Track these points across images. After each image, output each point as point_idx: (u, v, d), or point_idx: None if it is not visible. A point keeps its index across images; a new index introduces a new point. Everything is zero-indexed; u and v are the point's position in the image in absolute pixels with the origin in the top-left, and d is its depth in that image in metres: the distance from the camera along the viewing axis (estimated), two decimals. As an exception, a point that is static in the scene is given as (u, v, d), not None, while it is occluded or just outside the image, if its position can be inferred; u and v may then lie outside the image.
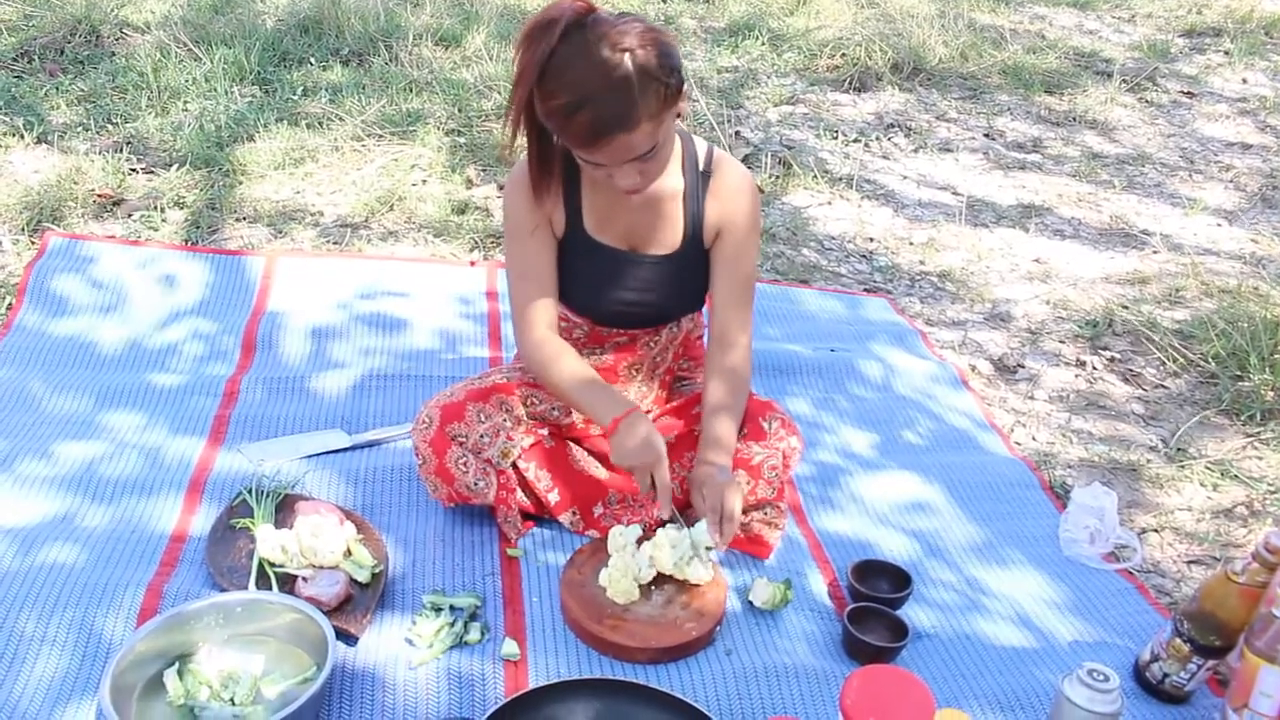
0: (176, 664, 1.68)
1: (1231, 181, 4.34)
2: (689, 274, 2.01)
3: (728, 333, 2.00)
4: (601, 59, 1.62)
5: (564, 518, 2.09)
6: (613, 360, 2.12)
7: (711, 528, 1.88)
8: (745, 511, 2.05)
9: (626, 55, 1.62)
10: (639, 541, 1.97)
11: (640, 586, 1.92)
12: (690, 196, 1.95)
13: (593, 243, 1.98)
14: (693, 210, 1.95)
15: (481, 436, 2.00)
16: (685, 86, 1.74)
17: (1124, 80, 5.21)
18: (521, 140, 1.79)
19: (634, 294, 2.01)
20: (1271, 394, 2.79)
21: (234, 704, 1.65)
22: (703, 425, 1.99)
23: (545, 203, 1.93)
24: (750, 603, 1.98)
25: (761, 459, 2.00)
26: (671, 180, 1.94)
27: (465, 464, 2.01)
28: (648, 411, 2.17)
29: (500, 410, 2.02)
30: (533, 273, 1.99)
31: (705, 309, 2.13)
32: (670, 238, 1.98)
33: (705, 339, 2.20)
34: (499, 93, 4.25)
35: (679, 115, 1.78)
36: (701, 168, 1.95)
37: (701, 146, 1.97)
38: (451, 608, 1.88)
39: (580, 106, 1.63)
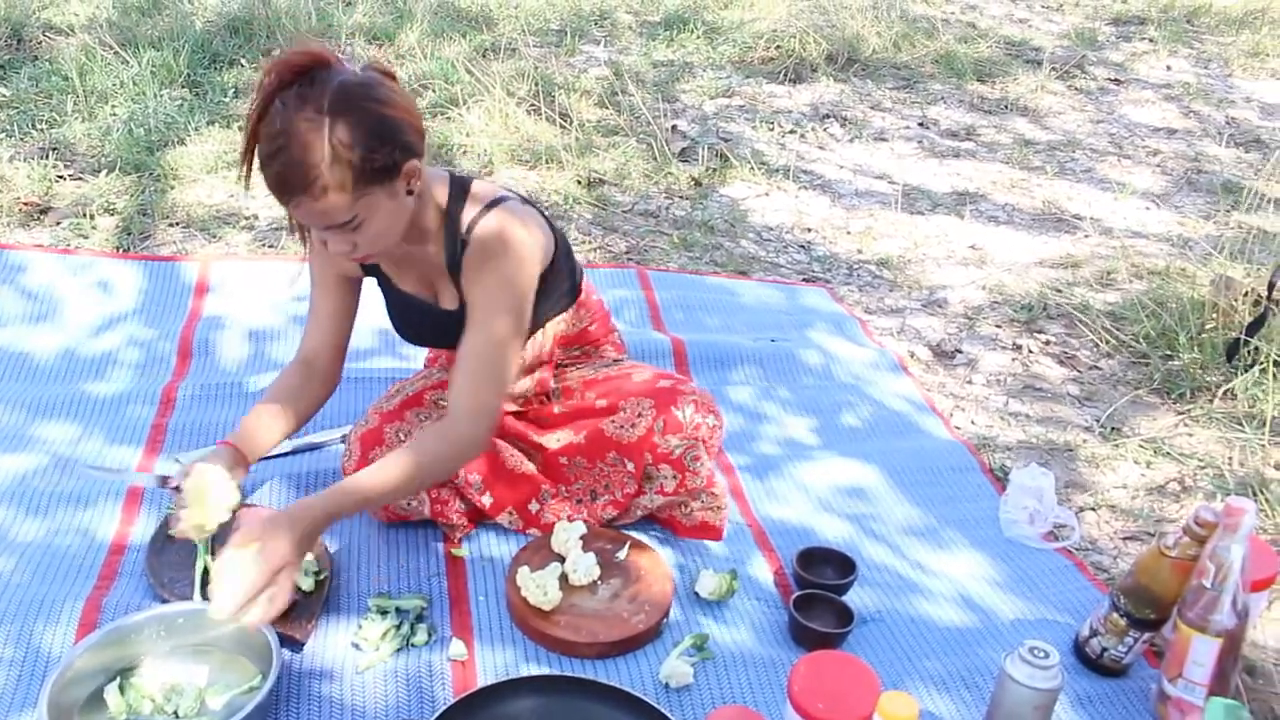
0: (118, 679, 1.66)
1: (1158, 165, 4.43)
2: None
3: (450, 397, 1.84)
4: (296, 119, 1.56)
5: (502, 519, 2.09)
6: None
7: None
8: (685, 503, 2.07)
9: (325, 122, 1.56)
10: (582, 538, 1.98)
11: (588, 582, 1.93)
12: (451, 265, 1.87)
13: (400, 292, 1.97)
14: (455, 279, 1.88)
15: None
16: (411, 164, 1.66)
17: (1054, 68, 5.30)
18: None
19: (453, 339, 1.96)
20: (1200, 372, 2.86)
21: (178, 717, 1.63)
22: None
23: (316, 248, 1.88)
24: (697, 593, 1.99)
25: (682, 451, 1.99)
26: (434, 246, 1.86)
27: None
28: (540, 401, 2.16)
29: (418, 423, 2.01)
30: (313, 316, 2.01)
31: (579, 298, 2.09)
32: (450, 297, 1.93)
33: (591, 319, 2.16)
34: (434, 91, 4.22)
35: (410, 191, 1.70)
36: (463, 233, 1.84)
37: (473, 205, 1.85)
38: (398, 610, 1.87)
39: (270, 160, 1.58)
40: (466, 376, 1.82)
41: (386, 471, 1.75)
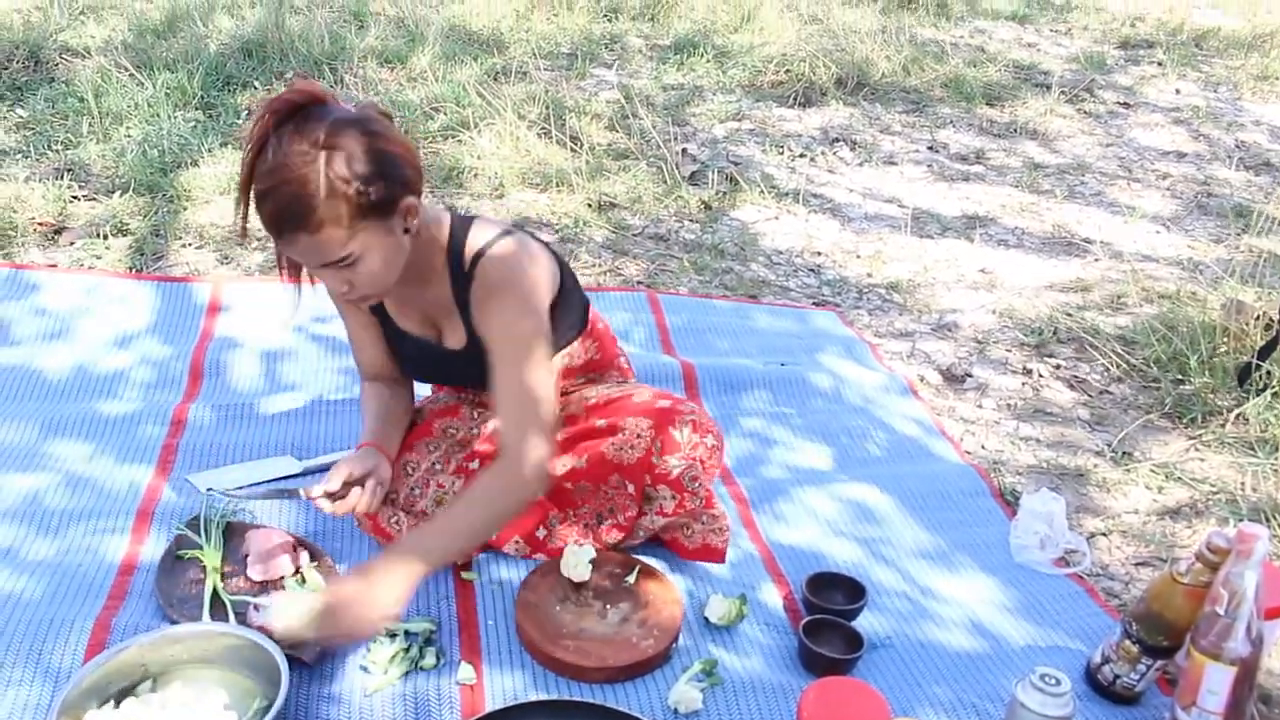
0: (124, 698, 1.66)
1: (1168, 189, 4.43)
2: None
3: (502, 436, 1.83)
4: (292, 153, 1.57)
5: (509, 548, 2.08)
6: (486, 398, 2.14)
7: None
8: (687, 524, 2.06)
9: (320, 155, 1.57)
10: (591, 562, 1.98)
11: (598, 606, 1.94)
12: (459, 301, 1.88)
13: (401, 331, 1.98)
14: (464, 315, 1.89)
15: (412, 489, 1.99)
16: (408, 201, 1.67)
17: (1063, 92, 5.31)
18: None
19: (456, 377, 2.02)
20: (1211, 396, 2.85)
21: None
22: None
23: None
24: (706, 619, 1.98)
25: (680, 471, 1.99)
26: (438, 285, 1.88)
27: (398, 523, 2.01)
28: None
29: (427, 454, 2.02)
30: (355, 344, 2.08)
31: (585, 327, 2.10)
32: (457, 335, 1.93)
33: (598, 349, 2.17)
34: (445, 113, 4.25)
35: (406, 230, 1.71)
36: (467, 268, 1.84)
37: (476, 239, 1.85)
38: (406, 633, 1.87)
39: (265, 196, 1.59)
40: (509, 412, 1.81)
41: (455, 526, 1.81)
